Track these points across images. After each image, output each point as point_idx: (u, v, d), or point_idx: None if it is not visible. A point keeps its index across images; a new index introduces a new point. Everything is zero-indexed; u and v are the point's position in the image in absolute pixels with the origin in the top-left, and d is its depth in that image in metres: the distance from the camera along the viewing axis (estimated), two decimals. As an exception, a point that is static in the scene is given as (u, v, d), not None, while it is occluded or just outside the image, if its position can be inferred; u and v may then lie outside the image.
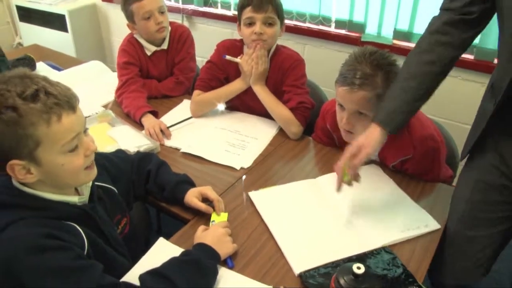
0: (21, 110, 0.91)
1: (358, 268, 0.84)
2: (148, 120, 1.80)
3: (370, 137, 1.26)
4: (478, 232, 1.31)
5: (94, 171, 1.09)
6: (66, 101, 0.97)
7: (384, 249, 1.23)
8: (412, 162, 1.51)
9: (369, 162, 1.59)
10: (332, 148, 1.71)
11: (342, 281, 0.85)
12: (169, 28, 2.07)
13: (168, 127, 1.77)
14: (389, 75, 1.37)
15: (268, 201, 1.41)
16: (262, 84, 1.81)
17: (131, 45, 2.06)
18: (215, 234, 1.20)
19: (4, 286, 0.95)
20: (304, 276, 1.14)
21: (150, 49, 2.07)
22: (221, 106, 1.96)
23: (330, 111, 1.64)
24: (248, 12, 1.73)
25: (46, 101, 0.93)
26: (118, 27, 3.60)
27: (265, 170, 1.59)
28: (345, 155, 1.27)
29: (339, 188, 1.30)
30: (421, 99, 1.26)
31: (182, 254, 1.12)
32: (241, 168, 1.58)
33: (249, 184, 1.50)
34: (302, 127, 1.77)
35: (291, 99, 1.77)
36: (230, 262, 1.19)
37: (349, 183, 1.29)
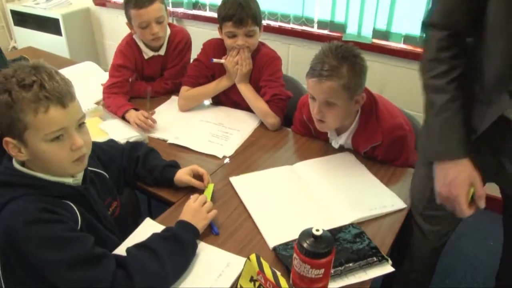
0: (14, 96, 1.04)
1: (317, 230, 0.97)
2: (131, 114, 1.91)
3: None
4: None
5: (83, 165, 1.20)
6: (57, 97, 1.08)
7: (352, 225, 1.35)
8: (381, 149, 1.63)
9: (343, 150, 1.73)
10: (309, 138, 1.85)
11: (304, 244, 0.98)
12: (168, 33, 2.12)
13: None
14: (354, 66, 1.50)
15: (247, 185, 1.54)
16: (246, 82, 1.96)
17: (129, 48, 2.12)
18: (189, 210, 1.32)
19: (6, 255, 1.07)
20: (278, 249, 1.26)
21: (147, 53, 2.14)
22: (206, 101, 2.10)
23: (306, 104, 1.76)
24: (229, 27, 1.86)
25: (38, 92, 1.05)
26: (111, 31, 3.74)
27: (245, 158, 1.72)
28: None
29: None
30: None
31: (163, 230, 1.25)
32: (224, 156, 1.72)
33: (230, 171, 1.63)
34: (278, 118, 1.90)
35: (266, 93, 1.92)
36: (214, 228, 1.34)
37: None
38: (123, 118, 1.93)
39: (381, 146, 1.62)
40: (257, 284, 1.07)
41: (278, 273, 1.03)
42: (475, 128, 1.14)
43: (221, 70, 2.00)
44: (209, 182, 1.49)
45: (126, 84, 2.11)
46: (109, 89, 2.05)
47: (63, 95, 1.09)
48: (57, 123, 1.08)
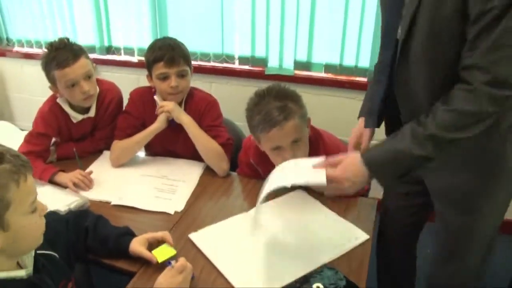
0: None
1: (316, 288, 0.93)
2: (63, 175, 1.76)
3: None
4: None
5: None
6: (27, 161, 1.01)
7: (326, 267, 1.33)
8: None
9: (294, 188, 1.71)
10: (258, 180, 1.81)
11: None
12: (97, 91, 1.92)
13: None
14: (294, 97, 1.55)
15: (208, 240, 1.45)
16: (187, 115, 1.85)
17: (52, 114, 1.89)
18: (175, 282, 1.20)
19: None
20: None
21: (76, 117, 1.93)
22: (141, 153, 2.00)
23: (251, 146, 1.75)
24: (160, 68, 1.79)
25: (14, 162, 0.96)
26: (17, 83, 3.45)
27: (199, 211, 1.63)
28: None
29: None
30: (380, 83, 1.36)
31: None
32: (175, 212, 1.62)
33: (186, 227, 1.54)
34: (229, 163, 1.85)
35: (218, 136, 1.85)
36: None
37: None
38: (51, 182, 1.76)
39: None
40: None
41: None
42: None
43: (151, 118, 1.90)
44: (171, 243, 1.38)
45: (46, 153, 1.92)
46: (27, 155, 1.82)
47: (27, 160, 1.04)
48: (34, 190, 1.04)
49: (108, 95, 1.99)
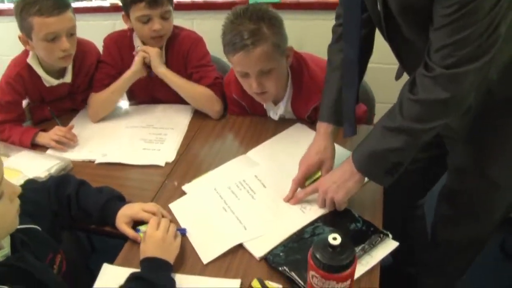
0: None
1: (334, 239, 0.78)
2: (43, 135, 1.58)
3: (323, 146, 1.24)
4: None
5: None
6: None
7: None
8: None
9: (284, 120, 1.58)
10: (247, 116, 1.65)
11: (319, 256, 0.78)
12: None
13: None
14: (272, 21, 1.34)
15: (206, 190, 1.30)
16: (165, 66, 1.66)
17: (20, 80, 1.61)
18: (153, 241, 1.07)
19: None
20: (269, 258, 1.06)
21: (50, 82, 1.65)
22: (124, 104, 1.80)
23: (231, 81, 1.58)
24: (142, 9, 1.55)
25: None
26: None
27: (192, 159, 1.47)
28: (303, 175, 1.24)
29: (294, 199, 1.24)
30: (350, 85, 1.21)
31: (130, 278, 0.99)
32: (166, 163, 1.46)
33: (180, 178, 1.38)
34: (222, 103, 1.68)
35: (205, 77, 1.67)
36: (182, 230, 1.14)
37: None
38: (34, 145, 1.58)
39: None
40: (268, 313, 0.87)
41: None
42: None
43: (130, 65, 1.69)
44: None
45: (22, 116, 1.70)
46: (1, 126, 1.63)
47: None
48: None
49: (88, 57, 1.72)
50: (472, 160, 1.13)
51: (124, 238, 1.17)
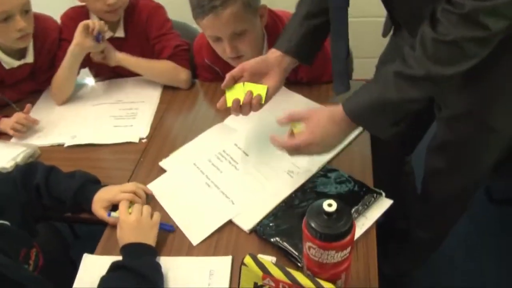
0: None
1: (329, 205, 0.72)
2: (5, 122, 1.46)
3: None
4: None
5: None
6: None
7: (326, 168, 1.15)
8: (303, 69, 1.40)
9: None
10: (220, 82, 1.52)
11: (314, 224, 0.72)
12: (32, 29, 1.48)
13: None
14: None
15: (185, 166, 1.22)
16: (117, 52, 1.53)
17: None
18: (128, 226, 1.00)
19: None
20: (259, 230, 1.01)
21: (10, 63, 1.52)
22: (90, 81, 1.68)
23: (202, 46, 1.48)
24: None
25: None
26: None
27: (167, 132, 1.39)
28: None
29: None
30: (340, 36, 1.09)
31: (112, 268, 0.93)
32: (140, 139, 1.37)
33: (156, 153, 1.30)
34: (188, 71, 1.57)
35: (165, 47, 1.56)
36: (166, 226, 1.05)
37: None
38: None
39: (301, 65, 1.36)
40: (265, 290, 0.81)
41: (290, 270, 0.78)
42: None
43: None
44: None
45: None
46: None
47: None
48: None
49: (48, 34, 1.57)
50: (466, 106, 1.06)
51: (104, 224, 1.09)
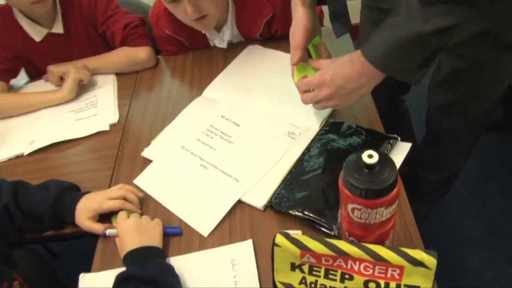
0: None
1: (370, 156, 0.62)
2: None
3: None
4: None
5: None
6: None
7: (330, 123, 1.05)
8: (277, 21, 1.31)
9: (233, 46, 1.38)
10: (188, 53, 1.44)
11: (355, 181, 0.62)
12: None
13: None
14: None
15: (173, 151, 1.09)
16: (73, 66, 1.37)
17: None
18: (128, 230, 0.88)
19: None
20: (275, 203, 0.91)
21: (38, 32, 1.39)
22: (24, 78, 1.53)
23: (160, 15, 1.34)
24: None
25: None
26: None
27: (141, 118, 1.25)
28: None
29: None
30: None
31: (117, 283, 0.80)
32: (112, 125, 1.25)
33: (134, 141, 1.17)
34: (149, 47, 1.43)
35: (114, 33, 1.42)
36: (174, 229, 0.93)
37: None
38: None
39: (275, 17, 1.30)
40: (305, 268, 0.71)
41: (330, 240, 0.68)
42: None
43: (23, 42, 1.41)
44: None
45: None
46: None
47: None
48: None
49: None
50: (482, 26, 0.96)
51: (93, 236, 0.96)
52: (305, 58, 0.99)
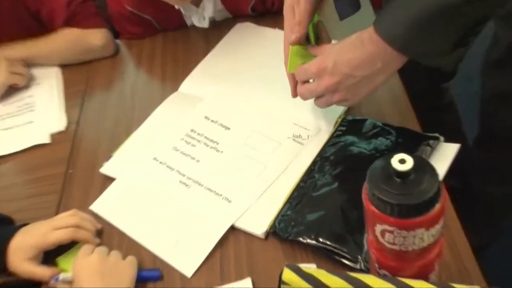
0: None
1: (402, 161, 0.63)
2: None
3: None
4: None
5: None
6: None
7: (348, 120, 1.08)
8: None
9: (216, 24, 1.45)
10: (157, 35, 1.49)
11: (385, 195, 0.63)
12: None
13: None
14: None
15: (143, 165, 1.11)
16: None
17: None
18: (91, 273, 0.88)
19: None
20: (280, 229, 0.93)
21: None
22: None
23: None
24: None
25: None
26: None
27: (98, 124, 1.29)
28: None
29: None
30: None
31: None
32: (55, 134, 1.28)
33: (92, 157, 1.19)
34: (104, 29, 1.48)
35: (54, 11, 1.45)
36: (152, 273, 0.94)
37: None
38: None
39: None
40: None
41: (355, 275, 0.70)
42: None
43: None
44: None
45: None
46: None
47: None
48: None
49: None
50: None
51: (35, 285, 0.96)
52: (304, 41, 0.99)
